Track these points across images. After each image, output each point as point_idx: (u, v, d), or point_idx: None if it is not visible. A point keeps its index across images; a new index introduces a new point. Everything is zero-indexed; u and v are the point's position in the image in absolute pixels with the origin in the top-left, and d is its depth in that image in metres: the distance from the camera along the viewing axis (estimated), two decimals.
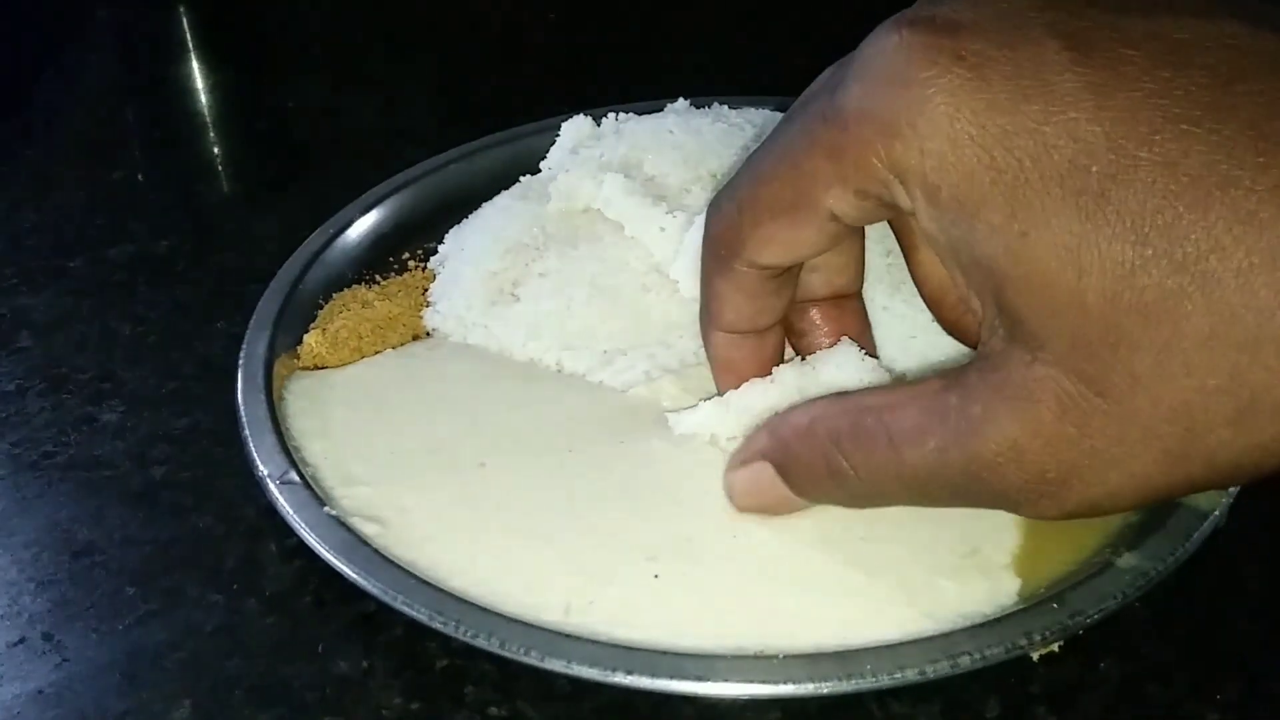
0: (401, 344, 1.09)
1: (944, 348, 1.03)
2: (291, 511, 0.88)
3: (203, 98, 1.69)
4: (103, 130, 1.60)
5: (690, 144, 1.17)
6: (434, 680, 0.81)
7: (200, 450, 1.02)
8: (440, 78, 1.71)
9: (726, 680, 0.75)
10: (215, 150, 1.57)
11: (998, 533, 0.88)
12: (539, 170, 1.24)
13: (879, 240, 1.07)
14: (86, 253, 1.29)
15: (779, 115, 1.27)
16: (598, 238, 1.12)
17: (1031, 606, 0.79)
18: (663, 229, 1.09)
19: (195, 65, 1.75)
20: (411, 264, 1.20)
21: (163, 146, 1.56)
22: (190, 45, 1.79)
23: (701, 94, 1.29)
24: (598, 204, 1.13)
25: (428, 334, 1.11)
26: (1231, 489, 0.86)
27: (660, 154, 1.16)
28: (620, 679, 0.75)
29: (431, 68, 1.74)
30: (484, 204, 1.23)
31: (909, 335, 1.03)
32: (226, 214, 1.40)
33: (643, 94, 1.31)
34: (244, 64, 1.78)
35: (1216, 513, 0.85)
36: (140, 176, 1.47)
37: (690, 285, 1.06)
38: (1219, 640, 0.83)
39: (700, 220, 1.07)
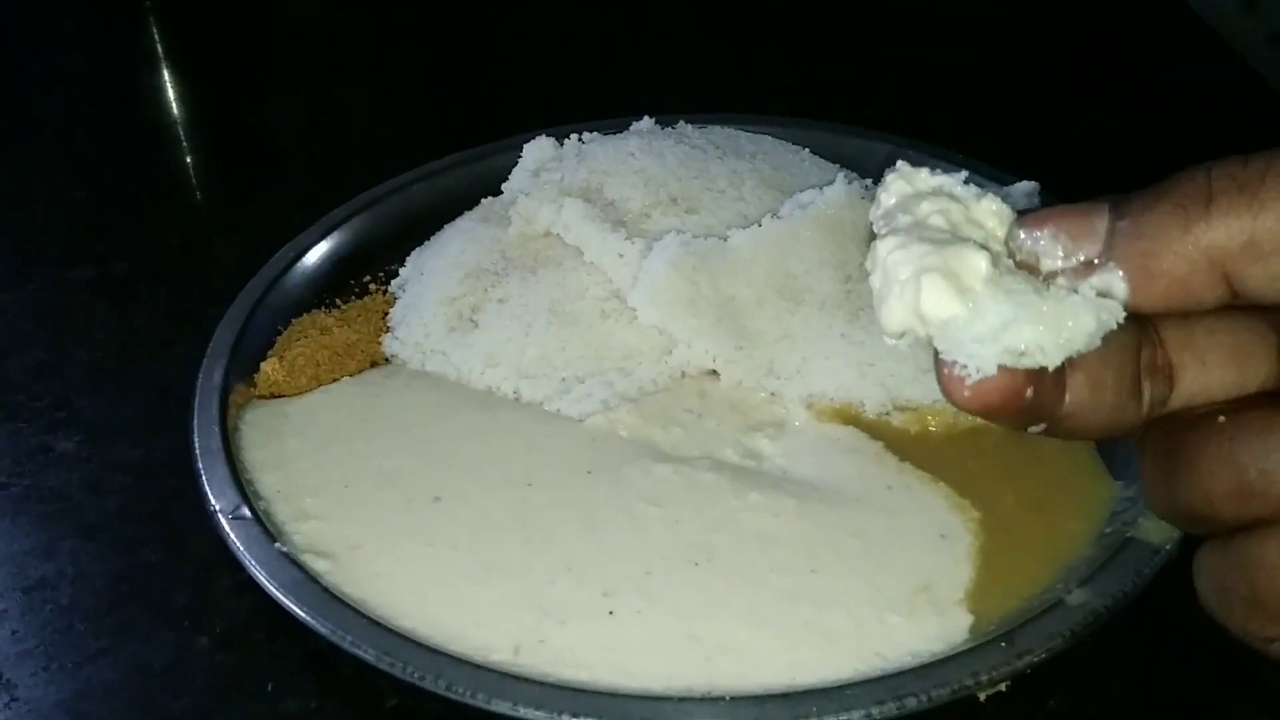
0: (360, 371, 1.09)
1: (902, 375, 1.03)
2: (242, 548, 0.87)
3: (173, 110, 1.67)
4: (66, 145, 1.58)
5: (652, 167, 1.17)
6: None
7: (155, 481, 1.02)
8: (412, 93, 1.70)
9: None
10: (180, 166, 1.56)
11: (950, 567, 0.88)
12: (502, 192, 1.24)
13: (838, 267, 1.07)
14: (45, 274, 1.28)
15: (740, 134, 1.28)
16: (557, 263, 1.12)
17: (979, 646, 0.79)
18: (621, 255, 1.09)
19: (166, 76, 1.74)
20: (373, 287, 1.20)
21: (128, 162, 1.55)
22: (161, 56, 1.78)
23: (673, 110, 1.29)
24: (557, 229, 1.13)
25: (386, 360, 1.10)
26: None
27: (621, 177, 1.16)
28: None
29: (405, 82, 1.73)
30: (446, 226, 1.23)
31: (867, 363, 1.03)
32: (189, 233, 1.38)
33: (615, 110, 1.30)
34: (214, 76, 1.76)
35: (1168, 547, 0.85)
36: (101, 195, 1.45)
37: (649, 312, 1.05)
38: (1170, 678, 0.83)
39: (661, 247, 1.08)
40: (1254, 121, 1.43)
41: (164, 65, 1.77)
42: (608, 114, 1.31)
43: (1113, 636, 0.83)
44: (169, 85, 1.73)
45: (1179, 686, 0.82)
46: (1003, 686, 0.78)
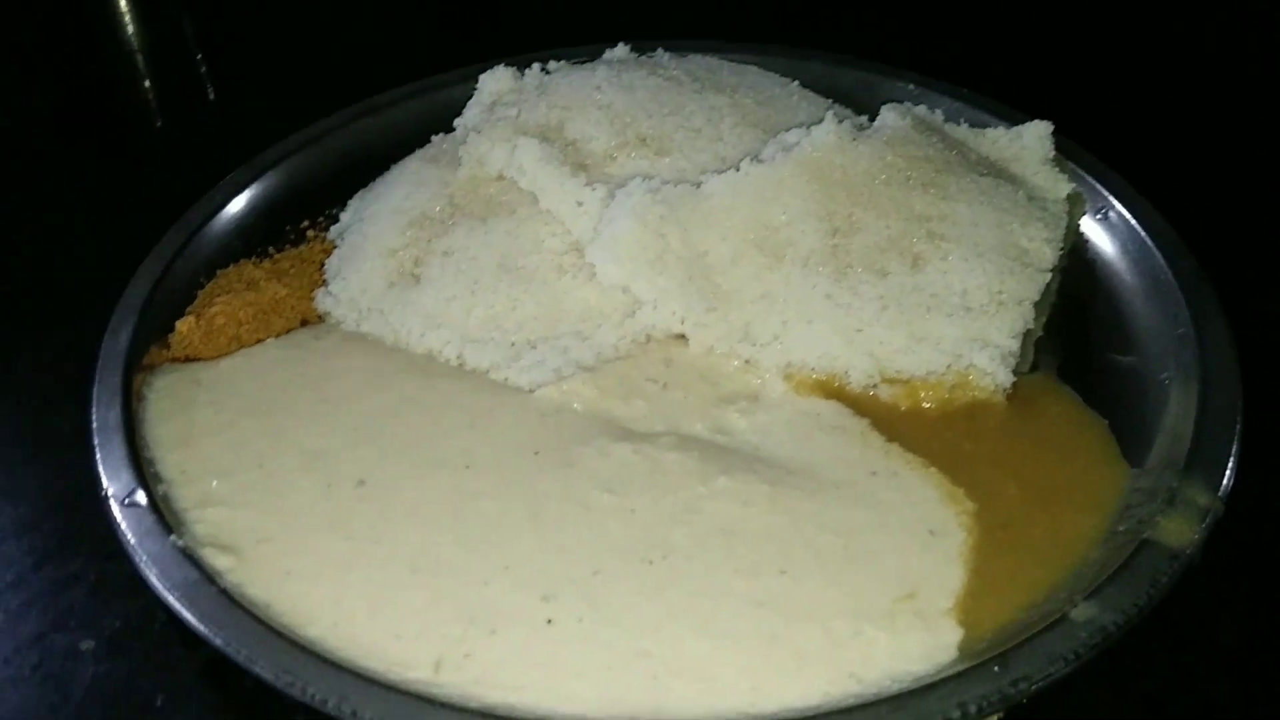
0: (288, 330, 0.97)
1: (893, 343, 0.91)
2: (133, 540, 0.76)
3: (125, 26, 1.53)
4: None
5: (619, 102, 1.04)
6: None
7: (57, 456, 0.91)
8: (375, 16, 1.56)
9: None
10: (123, 89, 1.42)
11: (940, 570, 0.77)
12: (455, 129, 1.11)
13: (824, 218, 0.95)
14: None
15: (723, 64, 1.15)
16: (510, 211, 1.00)
17: (968, 671, 0.68)
18: (580, 203, 0.97)
19: None
20: (311, 234, 1.08)
21: (63, 82, 1.41)
22: None
23: (662, 35, 1.16)
24: (510, 172, 1.01)
25: (320, 318, 0.99)
26: (1205, 522, 0.75)
27: (585, 114, 1.03)
28: None
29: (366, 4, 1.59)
30: (394, 166, 1.11)
31: (854, 328, 0.91)
32: (125, 167, 1.26)
33: (598, 34, 1.17)
34: None
35: (1189, 551, 0.74)
36: (29, 118, 1.32)
37: (609, 269, 0.94)
38: (1186, 704, 0.72)
39: (624, 194, 0.96)
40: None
41: None
42: (590, 39, 1.18)
43: (1123, 654, 0.72)
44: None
45: (1202, 711, 0.71)
46: (995, 718, 0.67)
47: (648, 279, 0.93)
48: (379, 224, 1.02)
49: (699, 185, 0.96)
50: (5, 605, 0.80)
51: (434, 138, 1.11)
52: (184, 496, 0.82)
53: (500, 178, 1.02)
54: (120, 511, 0.78)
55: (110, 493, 0.80)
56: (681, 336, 0.94)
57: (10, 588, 0.81)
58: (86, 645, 0.77)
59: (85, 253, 1.13)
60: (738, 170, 0.96)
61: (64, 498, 0.88)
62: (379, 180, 1.10)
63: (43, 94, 1.40)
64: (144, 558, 0.75)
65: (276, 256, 1.05)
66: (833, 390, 0.91)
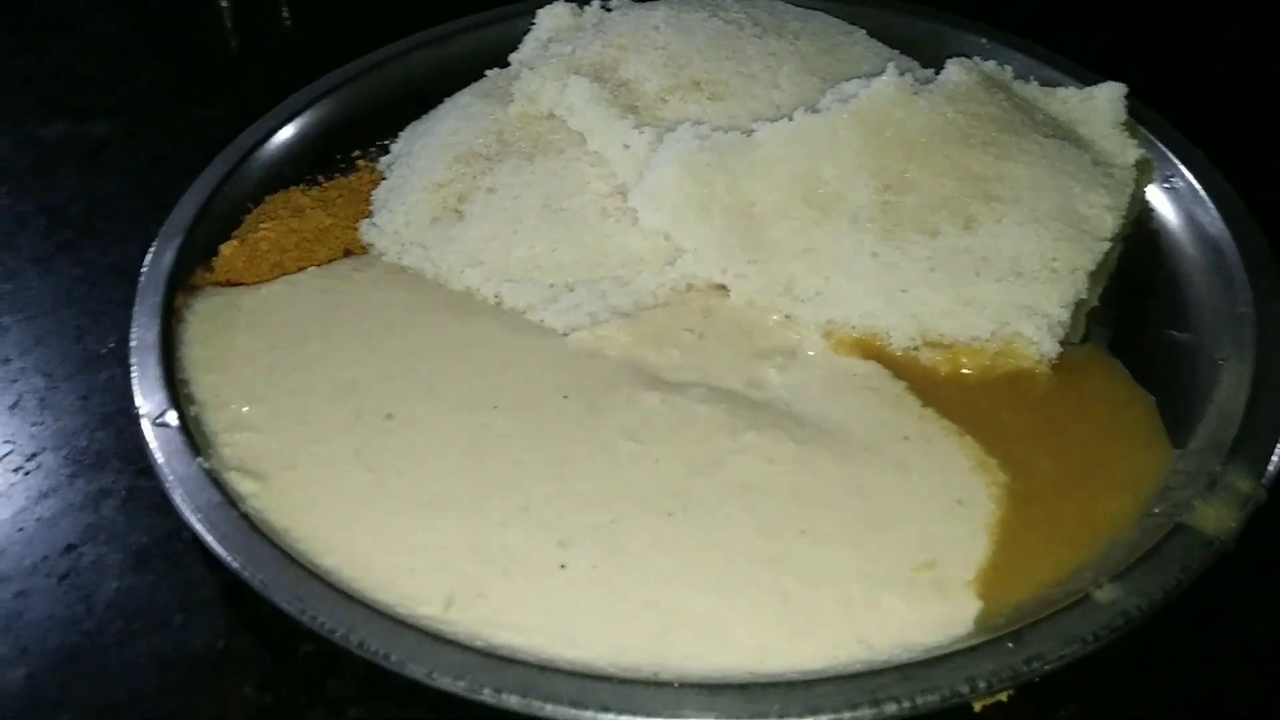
0: (330, 260, 0.97)
1: (937, 306, 0.89)
2: (161, 460, 0.77)
3: None
4: None
5: (676, 43, 1.02)
6: (294, 669, 0.72)
7: (91, 372, 0.93)
8: None
9: (607, 711, 0.64)
10: (177, 21, 1.42)
11: (964, 540, 0.75)
12: (509, 64, 1.10)
13: (876, 174, 0.92)
14: (15, 129, 1.18)
15: (789, 9, 1.11)
16: (558, 150, 0.98)
17: (982, 645, 0.67)
18: (628, 145, 0.95)
19: None
20: (361, 164, 1.08)
21: (120, 11, 1.42)
22: None
23: None
24: (560, 111, 0.99)
25: (363, 249, 0.99)
26: (1245, 510, 0.72)
27: (640, 54, 1.01)
28: (486, 696, 0.65)
29: None
30: (446, 100, 1.10)
31: (898, 288, 0.89)
32: (177, 95, 1.26)
33: None
34: None
35: (1224, 539, 0.71)
36: (85, 48, 1.33)
37: (651, 215, 0.92)
38: (1212, 693, 0.70)
39: (672, 139, 0.94)
40: None
41: None
42: None
43: (1145, 639, 0.70)
44: None
45: (1223, 703, 0.69)
46: (1003, 696, 0.66)
47: (690, 227, 0.91)
48: (426, 157, 1.01)
49: (750, 133, 0.94)
50: (39, 514, 0.82)
51: (489, 72, 1.10)
52: (215, 419, 0.82)
53: (550, 116, 1.01)
54: (151, 431, 0.79)
55: (143, 411, 0.81)
56: (722, 287, 0.92)
57: (44, 497, 0.83)
58: (113, 559, 0.79)
59: (145, 173, 1.14)
60: (790, 120, 0.93)
61: (102, 414, 0.89)
62: (431, 113, 1.09)
63: (120, 13, 1.40)
64: (170, 477, 0.76)
65: (325, 185, 1.05)
66: (872, 350, 0.89)
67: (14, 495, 0.83)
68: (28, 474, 0.85)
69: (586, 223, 0.94)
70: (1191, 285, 0.92)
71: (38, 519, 0.82)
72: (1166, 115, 1.03)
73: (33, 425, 0.89)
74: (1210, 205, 0.95)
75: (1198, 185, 0.97)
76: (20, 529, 0.81)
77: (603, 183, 0.96)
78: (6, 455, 0.86)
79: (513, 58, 1.09)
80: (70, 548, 0.80)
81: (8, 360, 0.94)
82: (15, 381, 0.92)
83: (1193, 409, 0.82)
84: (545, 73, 1.01)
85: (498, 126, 1.01)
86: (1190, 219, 0.96)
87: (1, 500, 0.83)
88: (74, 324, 0.97)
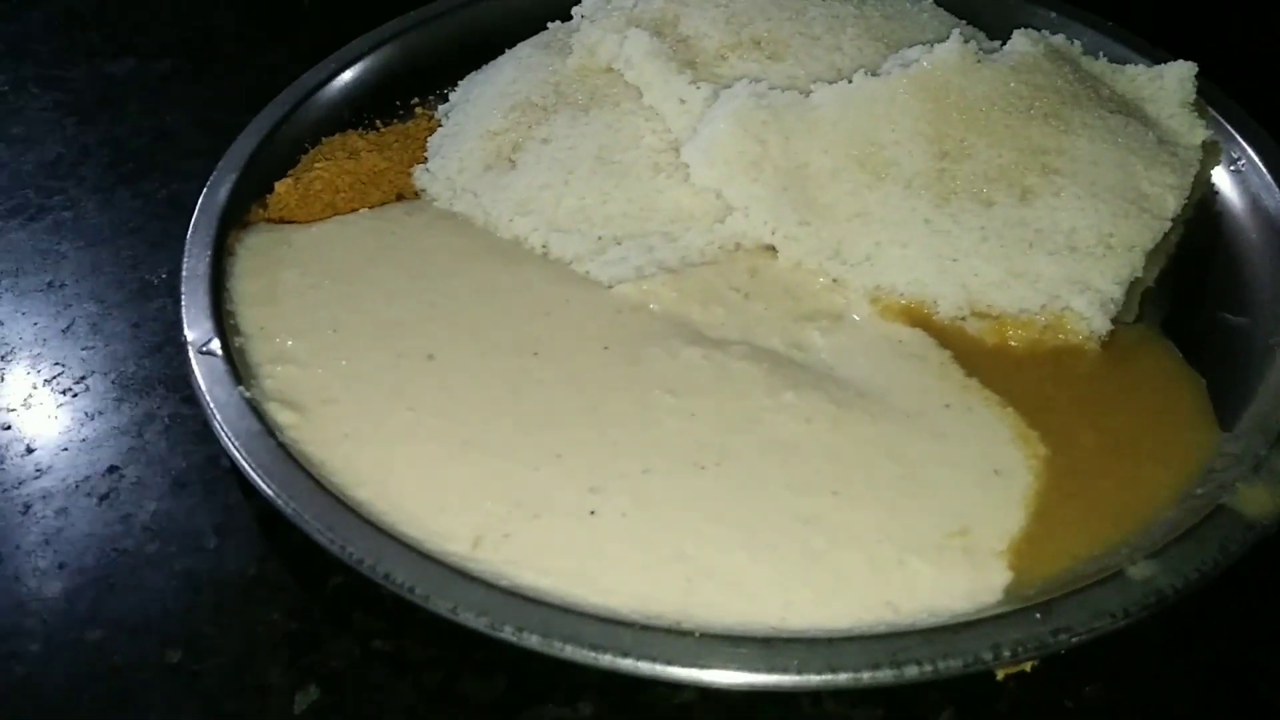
0: (382, 203, 0.98)
1: (988, 276, 0.87)
2: (204, 387, 0.78)
3: None
4: None
5: (739, 2, 1.01)
6: (322, 599, 0.73)
7: (144, 301, 0.94)
8: None
9: (626, 656, 0.64)
10: None
11: (998, 510, 0.74)
12: (571, 17, 1.09)
13: (933, 140, 0.91)
14: (86, 64, 1.19)
15: None
16: (614, 103, 0.98)
17: (1009, 614, 0.66)
18: (683, 100, 0.94)
19: None
20: (419, 110, 1.08)
21: None
22: None
23: None
24: (618, 64, 0.99)
25: (416, 194, 0.99)
26: None
27: (701, 10, 1.01)
28: (507, 634, 0.65)
29: None
30: (508, 50, 1.10)
31: (949, 257, 0.88)
32: (241, 34, 1.27)
33: None
34: None
35: (1266, 522, 0.70)
36: None
37: (703, 171, 0.92)
38: (1241, 677, 0.69)
39: (728, 96, 0.93)
40: None
41: None
42: None
43: (1178, 620, 0.69)
44: None
45: (1255, 688, 0.68)
46: (1027, 666, 0.65)
47: (741, 185, 0.90)
48: (483, 105, 1.02)
49: (808, 94, 0.93)
50: (84, 435, 0.83)
51: (550, 24, 1.09)
52: (259, 351, 0.83)
53: (608, 69, 1.00)
54: (196, 358, 0.80)
55: (189, 339, 0.82)
56: (770, 249, 0.91)
57: (90, 419, 0.85)
58: (153, 482, 0.80)
59: (208, 110, 1.15)
60: (849, 83, 0.92)
61: (152, 342, 0.91)
62: (491, 64, 1.09)
63: None
64: (211, 404, 0.77)
65: (382, 130, 1.05)
66: (919, 318, 0.88)
67: (61, 416, 0.85)
68: (75, 396, 0.87)
69: (638, 177, 0.94)
70: (1251, 269, 0.90)
71: (83, 440, 0.83)
72: (1238, 98, 1.00)
73: (83, 349, 0.90)
74: (1277, 191, 0.93)
75: (1264, 168, 0.94)
76: (65, 449, 0.83)
77: (656, 138, 0.96)
78: (56, 377, 0.88)
79: (575, 10, 1.08)
80: (112, 469, 0.81)
81: (63, 285, 0.95)
82: (69, 306, 0.94)
83: (1243, 392, 0.80)
84: (605, 25, 1.00)
85: (555, 78, 1.01)
86: (1254, 203, 0.94)
87: (49, 420, 0.85)
88: (129, 254, 0.98)
